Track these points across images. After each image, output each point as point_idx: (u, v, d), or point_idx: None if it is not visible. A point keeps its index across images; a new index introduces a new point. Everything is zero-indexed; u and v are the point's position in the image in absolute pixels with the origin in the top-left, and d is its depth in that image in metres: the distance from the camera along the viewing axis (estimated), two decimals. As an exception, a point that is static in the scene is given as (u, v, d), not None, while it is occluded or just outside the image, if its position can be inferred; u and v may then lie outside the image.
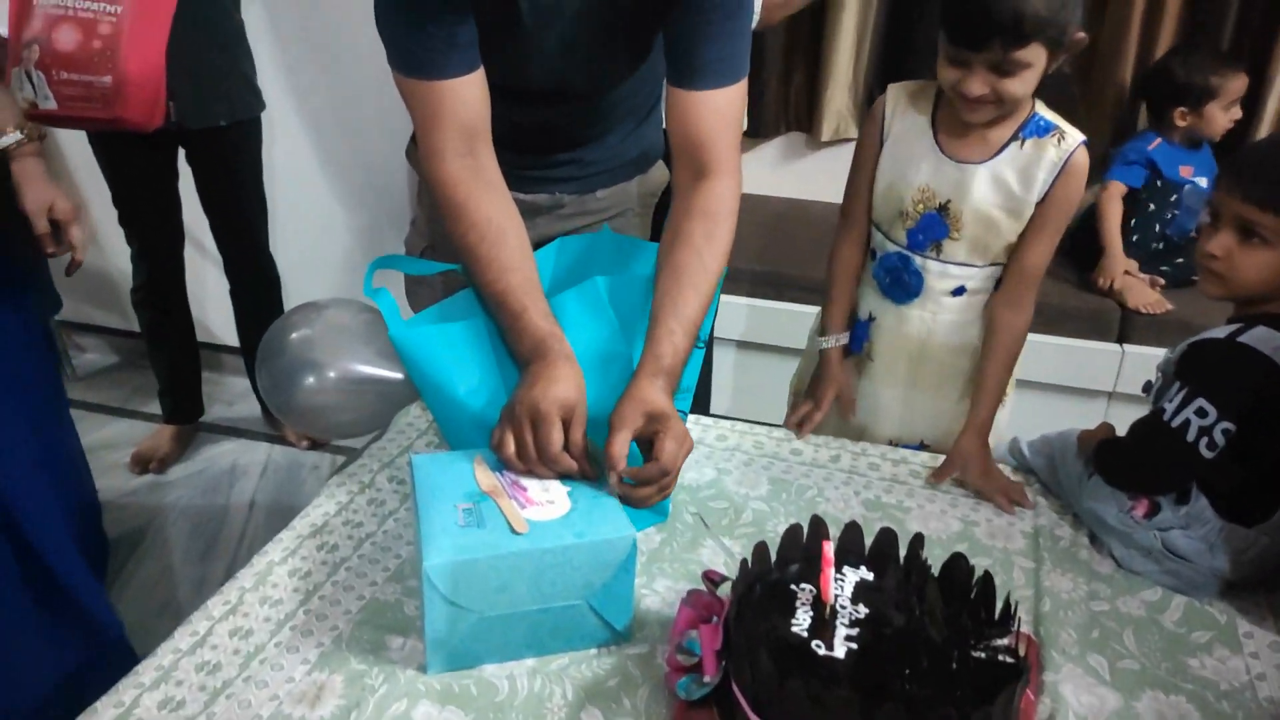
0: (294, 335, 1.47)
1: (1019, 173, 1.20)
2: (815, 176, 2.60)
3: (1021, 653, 0.82)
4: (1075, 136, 1.20)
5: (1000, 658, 0.82)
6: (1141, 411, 1.21)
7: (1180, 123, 2.14)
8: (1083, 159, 1.19)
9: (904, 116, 1.27)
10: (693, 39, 1.06)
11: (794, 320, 2.06)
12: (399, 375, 1.44)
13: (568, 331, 1.10)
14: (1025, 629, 0.87)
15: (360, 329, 1.51)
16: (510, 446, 0.95)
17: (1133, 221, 2.22)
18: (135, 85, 1.69)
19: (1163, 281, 2.19)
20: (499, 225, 1.08)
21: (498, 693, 0.87)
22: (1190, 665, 0.95)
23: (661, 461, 0.94)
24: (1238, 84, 2.10)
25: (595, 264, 1.22)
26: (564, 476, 0.95)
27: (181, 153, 2.02)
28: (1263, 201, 0.96)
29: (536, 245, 1.45)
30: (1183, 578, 1.04)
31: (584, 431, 0.97)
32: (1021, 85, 1.14)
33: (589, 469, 0.96)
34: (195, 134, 1.94)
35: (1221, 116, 2.12)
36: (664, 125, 1.43)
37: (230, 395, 2.52)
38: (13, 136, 1.28)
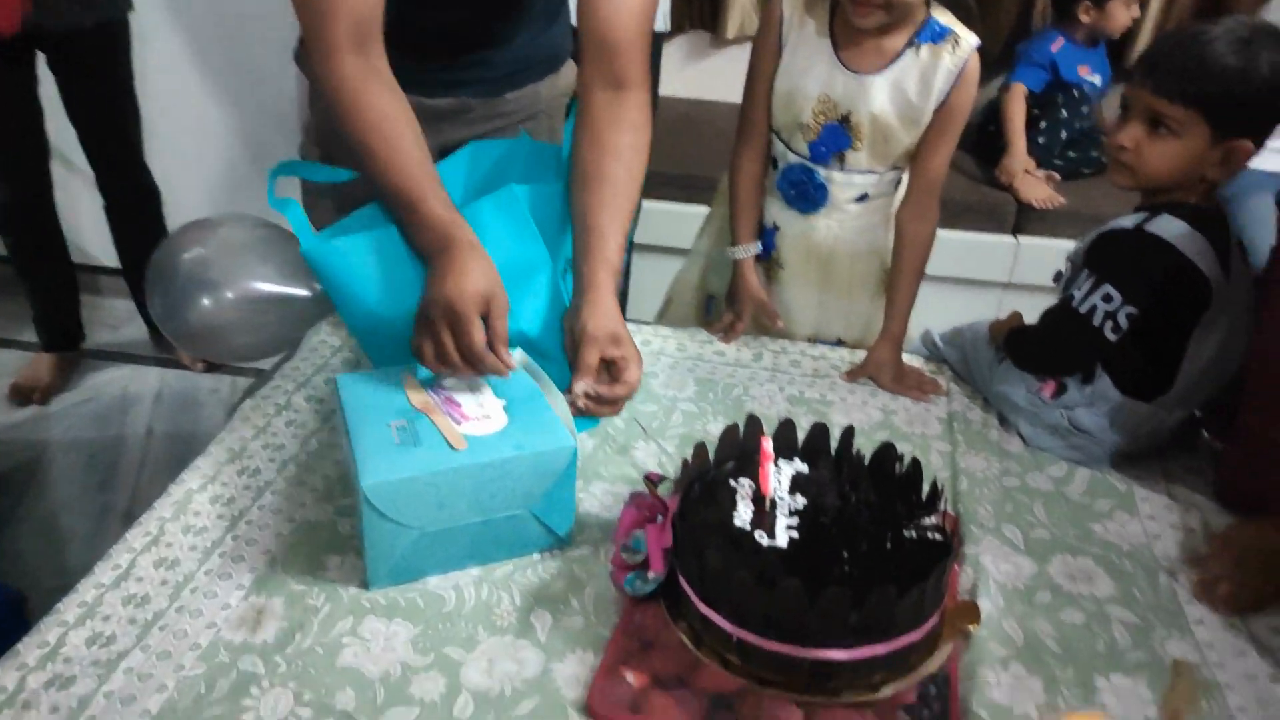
0: (186, 255, 1.38)
1: (916, 80, 1.20)
2: (721, 76, 2.56)
3: (948, 531, 0.87)
4: (969, 41, 1.20)
5: (930, 536, 0.86)
6: (1037, 300, 1.27)
7: (1084, 18, 2.19)
8: (976, 65, 1.20)
9: (801, 27, 1.24)
10: None
11: (697, 220, 2.06)
12: (303, 292, 1.37)
13: (485, 241, 1.06)
14: (945, 507, 0.92)
15: (257, 245, 1.42)
16: (430, 351, 0.92)
17: (1037, 121, 2.28)
18: None
19: (1058, 176, 2.28)
20: (395, 122, 1.02)
21: (445, 603, 0.87)
22: (1094, 530, 1.02)
23: (630, 384, 0.95)
24: None
25: (511, 171, 1.18)
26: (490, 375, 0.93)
27: (41, 59, 1.83)
28: (1170, 94, 0.99)
29: (443, 153, 1.40)
30: (1086, 452, 1.11)
31: (505, 321, 0.94)
32: None
33: (506, 360, 0.93)
34: (55, 37, 1.76)
35: (1123, 13, 2.18)
36: (573, 25, 1.39)
37: (113, 319, 2.37)
38: None
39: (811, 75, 1.24)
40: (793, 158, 1.29)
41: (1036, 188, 2.22)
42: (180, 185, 2.17)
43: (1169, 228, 1.03)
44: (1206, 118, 1.00)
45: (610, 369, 0.97)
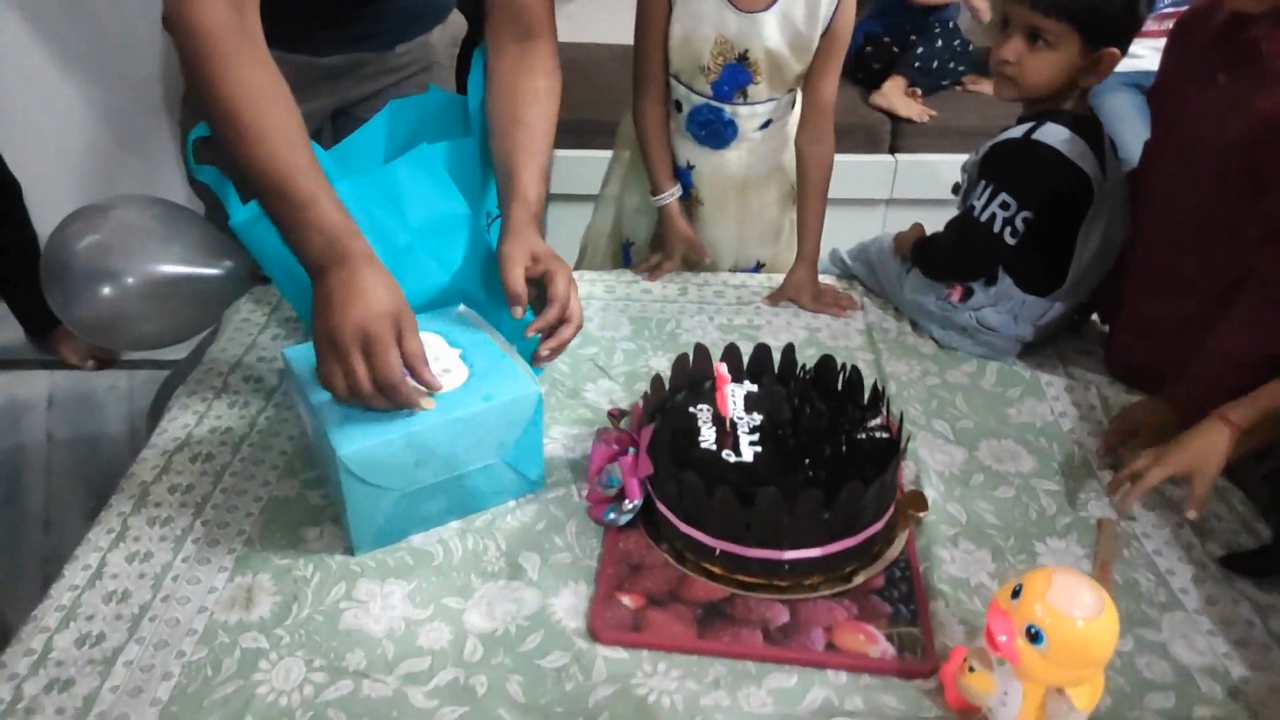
0: (81, 244, 1.31)
1: (803, 11, 1.25)
2: (598, 19, 2.55)
3: (892, 430, 0.95)
4: None
5: (878, 436, 0.94)
6: (919, 213, 1.36)
7: None
8: None
9: None
10: None
11: (597, 166, 2.07)
12: (212, 271, 1.33)
13: (406, 201, 1.06)
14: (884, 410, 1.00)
15: (155, 225, 1.36)
16: (341, 382, 0.83)
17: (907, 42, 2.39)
18: None
19: (920, 92, 2.40)
20: (273, 90, 0.90)
21: (433, 558, 0.89)
22: (1009, 415, 1.13)
23: (559, 299, 0.95)
24: None
25: (428, 126, 1.17)
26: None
27: None
28: (1047, 9, 1.07)
29: (340, 110, 1.37)
30: (994, 347, 1.22)
31: (418, 339, 0.87)
32: None
33: (432, 379, 0.87)
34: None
35: None
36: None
37: (-18, 325, 2.20)
38: None
39: (705, 20, 1.27)
40: (696, 99, 1.33)
41: (910, 105, 2.34)
42: (41, 175, 2.02)
43: (1054, 134, 1.12)
44: (1079, 30, 1.09)
45: (540, 288, 0.96)
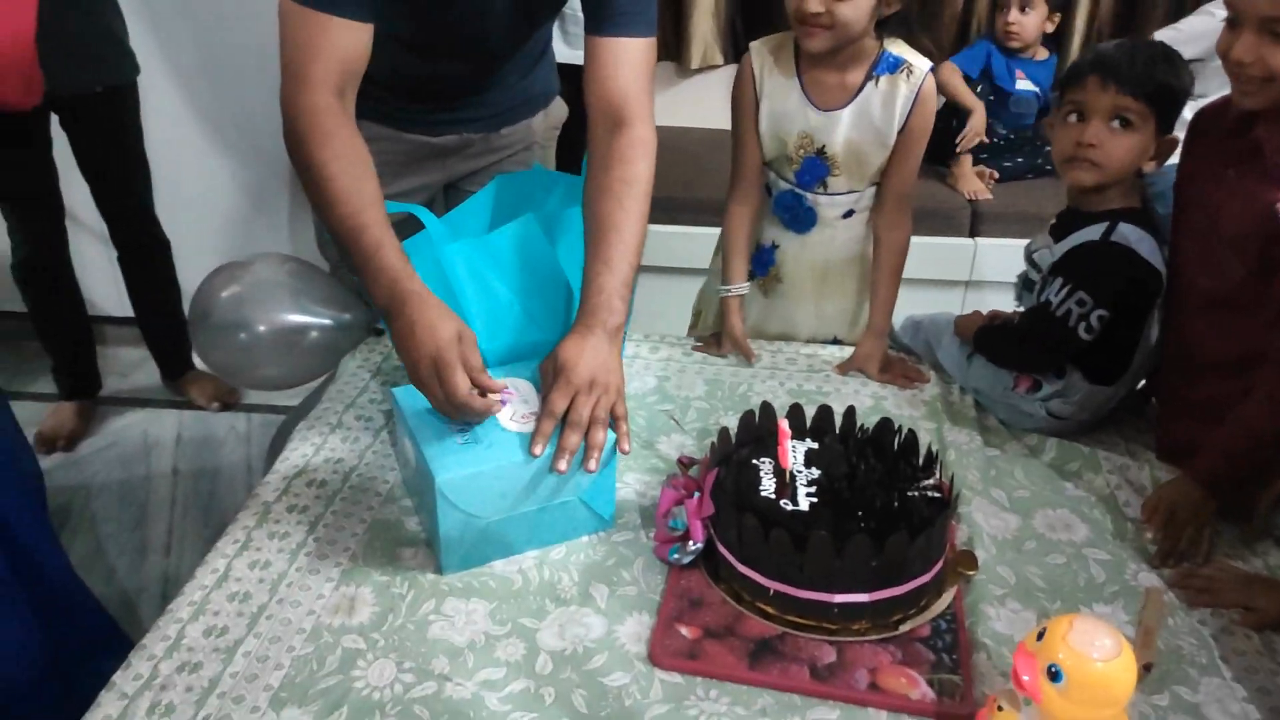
0: (223, 295, 1.49)
1: (879, 108, 1.35)
2: (687, 104, 2.72)
3: (944, 490, 1.01)
4: (922, 67, 1.35)
5: (930, 494, 1.00)
6: (995, 296, 1.40)
7: (1002, 28, 2.40)
8: (931, 86, 1.35)
9: (772, 77, 1.39)
10: None
11: (686, 241, 2.20)
12: (329, 322, 1.48)
13: (507, 263, 1.19)
14: (939, 473, 1.06)
15: (287, 281, 1.54)
16: (435, 406, 0.99)
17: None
18: (8, 64, 1.61)
19: (996, 175, 2.46)
20: (360, 161, 1.06)
21: (513, 584, 0.99)
22: (1066, 487, 1.17)
23: (545, 411, 0.99)
24: None
25: (532, 199, 1.31)
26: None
27: (54, 119, 1.93)
28: (1135, 91, 1.13)
29: (450, 183, 1.53)
30: (1055, 430, 1.26)
31: (478, 354, 1.00)
32: (853, 10, 1.26)
33: (492, 384, 0.99)
34: (68, 101, 1.86)
35: (1024, 20, 2.37)
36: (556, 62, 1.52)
37: (122, 366, 2.45)
38: None
39: (788, 119, 1.38)
40: (783, 185, 1.44)
41: (972, 180, 2.41)
42: (188, 235, 2.27)
43: (1130, 235, 1.16)
44: (1157, 113, 1.15)
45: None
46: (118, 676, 0.86)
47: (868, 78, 1.35)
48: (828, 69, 1.35)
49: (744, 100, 1.42)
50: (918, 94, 1.34)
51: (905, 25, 1.36)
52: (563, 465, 0.97)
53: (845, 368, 1.41)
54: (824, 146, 1.38)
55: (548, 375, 1.03)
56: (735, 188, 1.47)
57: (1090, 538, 1.08)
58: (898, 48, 1.36)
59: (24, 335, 2.35)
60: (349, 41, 1.08)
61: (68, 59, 1.79)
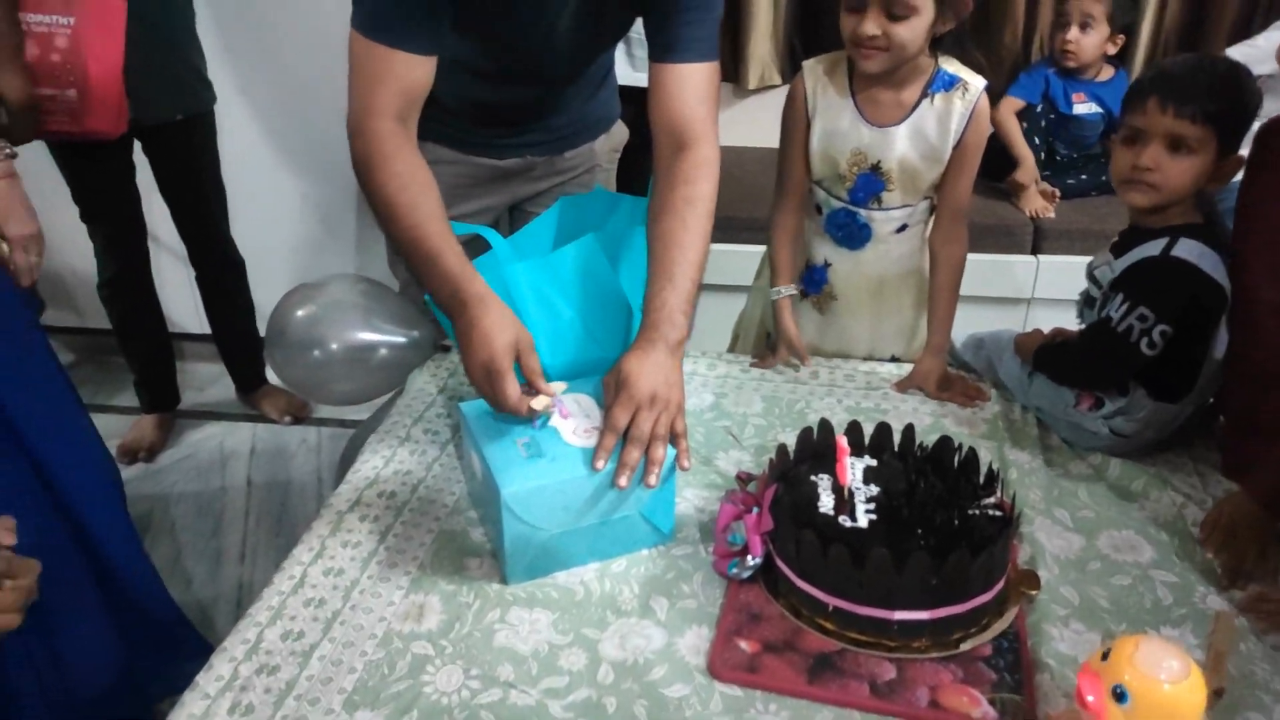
0: (299, 314, 1.55)
1: (934, 125, 1.35)
2: (744, 124, 2.74)
3: (1005, 509, 1.00)
4: (977, 85, 1.35)
5: (992, 513, 1.00)
6: (1057, 314, 1.39)
7: (1059, 46, 2.37)
8: (985, 104, 1.36)
9: (825, 96, 1.40)
10: (669, 20, 1.17)
11: (744, 259, 2.21)
12: (400, 340, 1.53)
13: (569, 282, 1.22)
14: (1000, 492, 1.05)
15: (359, 300, 1.59)
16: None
17: (1035, 140, 2.44)
18: (99, 95, 1.71)
19: (1056, 192, 2.43)
20: (420, 179, 1.11)
21: (575, 595, 1.01)
22: (1131, 508, 1.15)
23: (606, 427, 1.02)
24: (1078, 4, 2.30)
25: (594, 219, 1.34)
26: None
27: (136, 145, 2.03)
28: (1193, 115, 1.12)
29: (514, 205, 1.57)
30: (1120, 450, 1.24)
31: (535, 356, 1.04)
32: (910, 31, 1.27)
33: (545, 388, 1.04)
34: (150, 129, 1.96)
35: (1083, 40, 2.33)
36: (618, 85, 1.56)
37: (199, 381, 2.55)
38: None
39: (842, 136, 1.39)
40: (835, 203, 1.45)
41: (1033, 199, 2.38)
42: (261, 254, 2.36)
43: (1190, 250, 1.15)
44: (1219, 135, 1.14)
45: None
46: (201, 677, 0.90)
47: (923, 95, 1.36)
48: (883, 87, 1.36)
49: (795, 118, 1.44)
50: (973, 111, 1.35)
51: (959, 43, 1.37)
52: (623, 480, 0.99)
53: (904, 385, 1.41)
54: (879, 162, 1.39)
55: (610, 390, 1.06)
56: (781, 202, 1.49)
57: (1156, 559, 1.06)
58: (952, 65, 1.37)
59: (108, 351, 2.47)
60: (412, 72, 1.13)
61: (152, 90, 1.89)
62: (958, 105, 1.35)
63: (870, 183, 1.41)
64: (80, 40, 1.69)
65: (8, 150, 1.30)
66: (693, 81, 1.19)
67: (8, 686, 1.14)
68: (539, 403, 1.04)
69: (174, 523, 2.00)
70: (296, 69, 2.38)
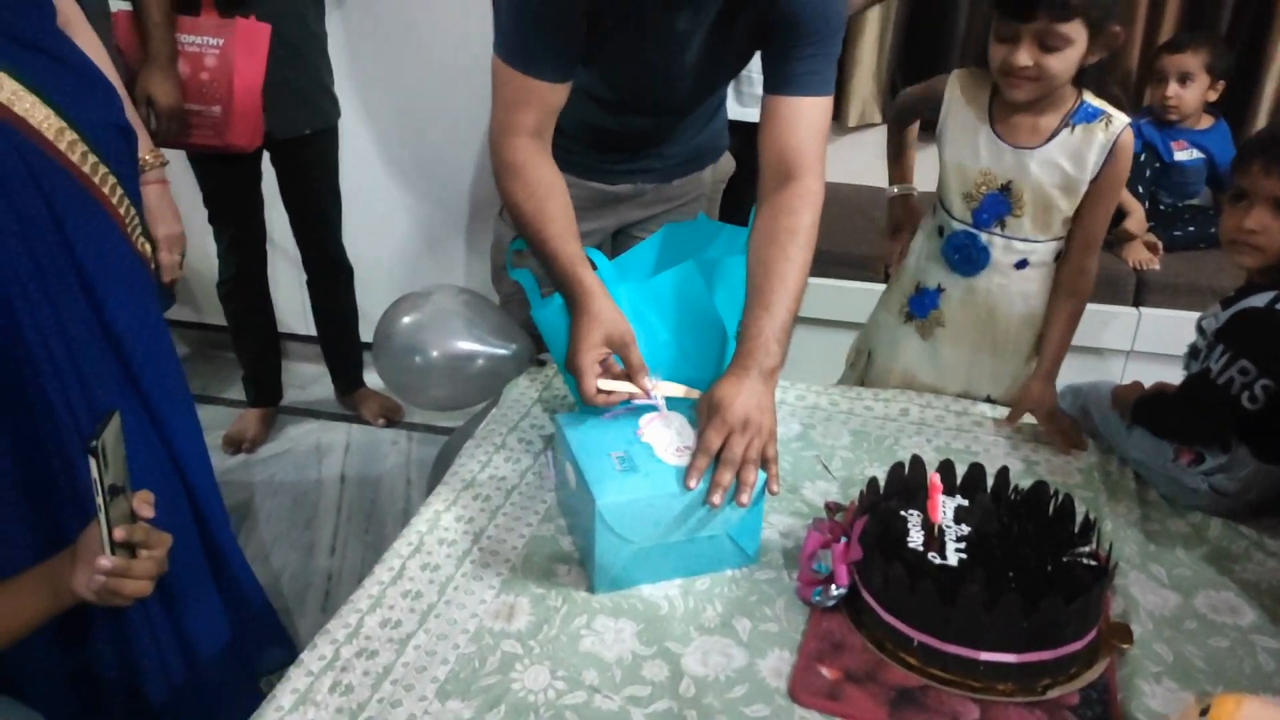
0: (404, 320, 1.62)
1: (1070, 157, 1.35)
2: (843, 160, 2.75)
3: (1100, 559, 0.99)
4: (1121, 119, 1.35)
5: (1086, 562, 0.99)
6: (1157, 369, 1.36)
7: (1159, 101, 2.33)
8: (1128, 139, 1.35)
9: (960, 109, 1.42)
10: (789, 55, 1.20)
11: (838, 294, 2.22)
12: (501, 351, 1.59)
13: (668, 305, 1.26)
14: (1095, 543, 1.04)
15: (462, 310, 1.66)
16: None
17: (1139, 189, 2.40)
18: (241, 112, 1.85)
19: (1158, 242, 2.37)
20: (549, 185, 1.21)
21: (659, 608, 1.03)
22: (1233, 569, 1.12)
23: (699, 448, 1.04)
24: (1175, 61, 2.28)
25: (695, 247, 1.37)
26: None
27: (265, 155, 2.16)
28: None
29: (620, 229, 1.62)
30: (1220, 509, 1.21)
31: (636, 352, 1.12)
32: (1061, 63, 1.28)
33: (645, 384, 1.11)
34: (281, 142, 2.09)
35: (1183, 94, 2.29)
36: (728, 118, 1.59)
37: (301, 380, 2.67)
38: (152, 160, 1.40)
39: (973, 152, 1.40)
40: (957, 225, 1.45)
41: (1137, 250, 2.33)
42: (369, 263, 2.48)
43: None
44: None
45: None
46: (305, 655, 0.96)
47: (1063, 124, 1.36)
48: (1024, 113, 1.37)
49: (914, 112, 1.54)
50: (1114, 144, 1.34)
51: (1099, 78, 1.36)
52: (716, 499, 1.02)
53: (1015, 414, 1.39)
54: (1010, 182, 1.38)
55: (704, 414, 1.08)
56: (900, 123, 1.62)
57: (1258, 623, 1.03)
58: (1095, 100, 1.37)
59: (220, 346, 2.60)
60: (548, 96, 1.21)
61: (286, 106, 2.02)
62: (1099, 137, 1.34)
63: (997, 204, 1.41)
64: (228, 61, 1.83)
65: (162, 159, 1.40)
66: (806, 115, 1.21)
67: (131, 657, 1.21)
68: (607, 384, 1.11)
69: (271, 513, 2.10)
70: (415, 89, 2.50)
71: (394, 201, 2.66)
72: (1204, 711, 0.70)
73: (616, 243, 1.61)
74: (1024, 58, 1.28)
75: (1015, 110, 1.37)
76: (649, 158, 1.50)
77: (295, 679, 0.93)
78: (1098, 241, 1.41)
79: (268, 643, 1.52)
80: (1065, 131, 1.35)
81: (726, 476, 1.03)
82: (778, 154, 1.22)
